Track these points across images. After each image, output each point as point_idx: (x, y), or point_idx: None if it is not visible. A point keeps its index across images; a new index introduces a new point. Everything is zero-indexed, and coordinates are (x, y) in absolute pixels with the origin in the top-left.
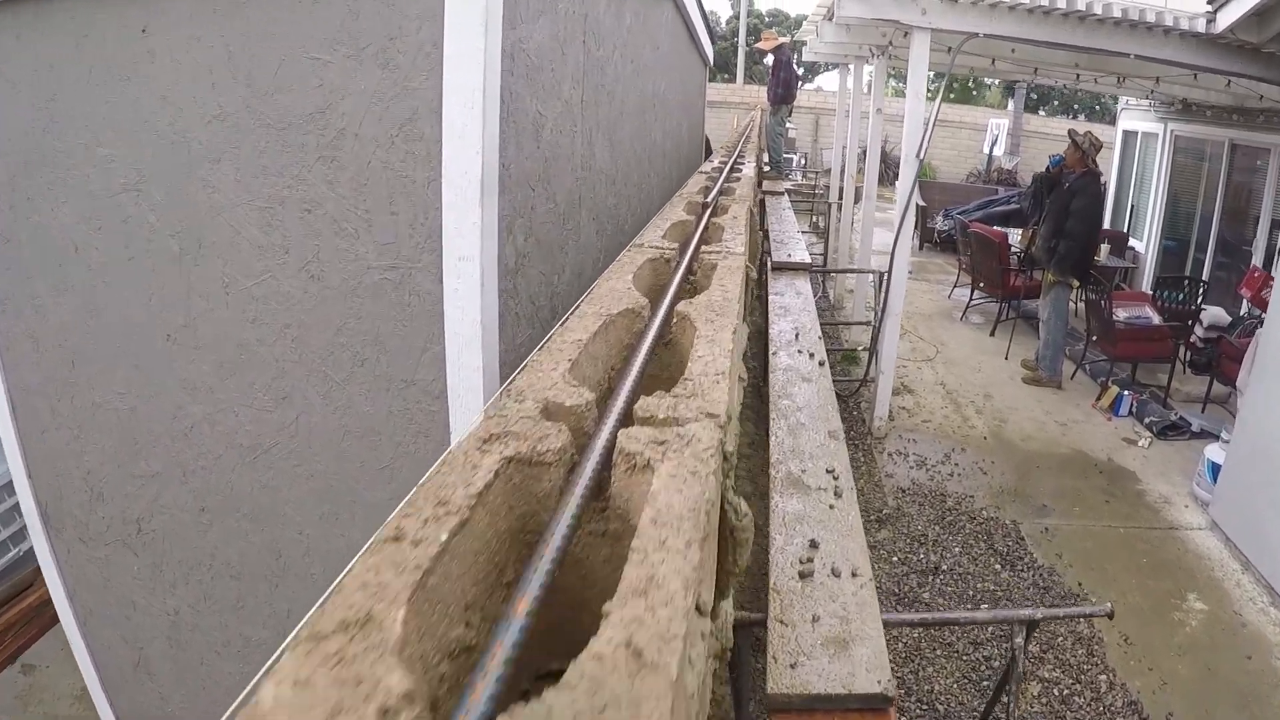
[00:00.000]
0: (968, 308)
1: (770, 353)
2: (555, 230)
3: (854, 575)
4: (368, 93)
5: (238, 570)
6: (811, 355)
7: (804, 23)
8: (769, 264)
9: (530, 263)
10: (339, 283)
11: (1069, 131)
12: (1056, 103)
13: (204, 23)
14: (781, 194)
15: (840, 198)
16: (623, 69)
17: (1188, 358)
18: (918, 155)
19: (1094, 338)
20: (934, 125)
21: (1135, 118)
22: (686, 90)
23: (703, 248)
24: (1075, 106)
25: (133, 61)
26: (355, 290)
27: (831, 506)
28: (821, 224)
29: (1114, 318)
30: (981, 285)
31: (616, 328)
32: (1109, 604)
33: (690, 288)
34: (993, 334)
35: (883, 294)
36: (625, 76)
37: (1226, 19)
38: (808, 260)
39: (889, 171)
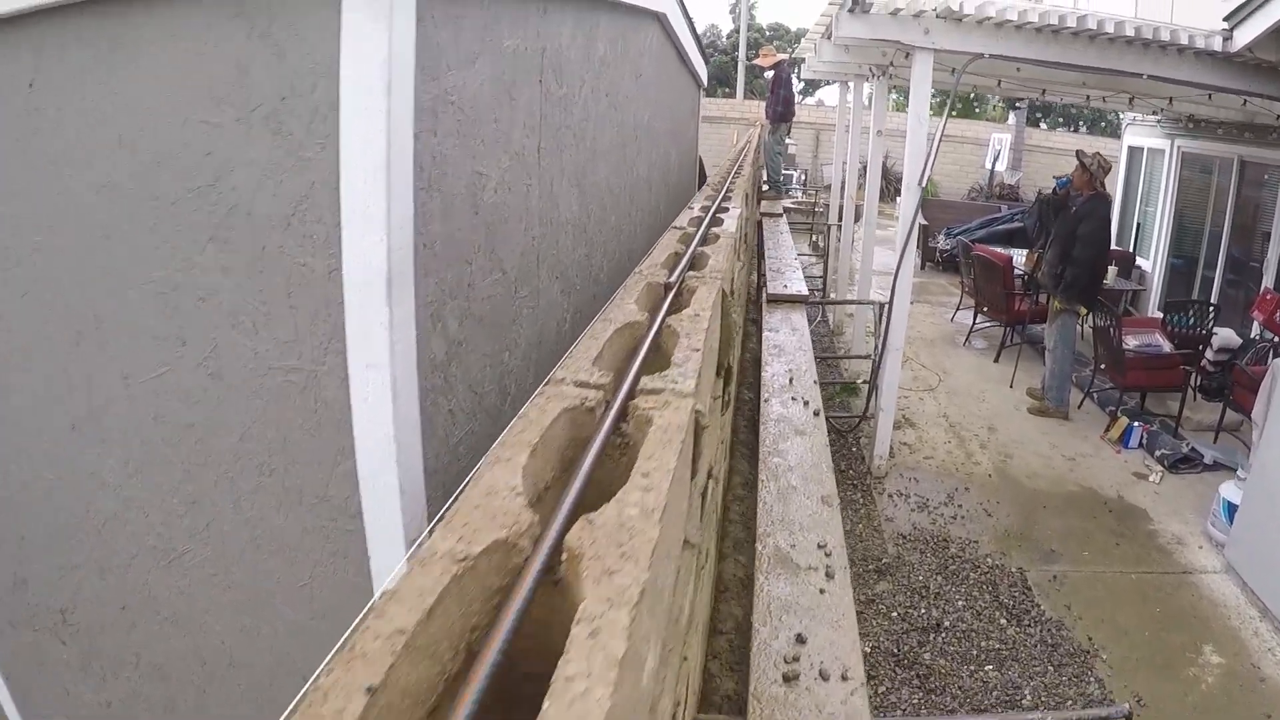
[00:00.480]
0: (971, 332)
1: (762, 399)
2: (504, 302)
3: (844, 679)
4: (259, 164)
5: (165, 672)
6: (806, 403)
7: (803, 39)
8: (764, 297)
9: (469, 348)
10: (240, 382)
11: (1076, 152)
12: (1059, 117)
13: (91, 76)
14: (779, 215)
15: (840, 218)
16: (595, 105)
17: (1198, 383)
18: (920, 183)
19: (1102, 366)
20: (938, 147)
21: (1141, 134)
22: (676, 116)
23: (643, 382)
24: (1079, 120)
25: (20, 118)
26: (258, 392)
27: (822, 591)
28: (821, 244)
29: (1123, 346)
30: (985, 310)
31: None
32: (1127, 705)
33: (618, 451)
34: (997, 360)
35: (883, 325)
36: (598, 113)
37: (1244, 37)
38: (804, 292)
39: (890, 187)
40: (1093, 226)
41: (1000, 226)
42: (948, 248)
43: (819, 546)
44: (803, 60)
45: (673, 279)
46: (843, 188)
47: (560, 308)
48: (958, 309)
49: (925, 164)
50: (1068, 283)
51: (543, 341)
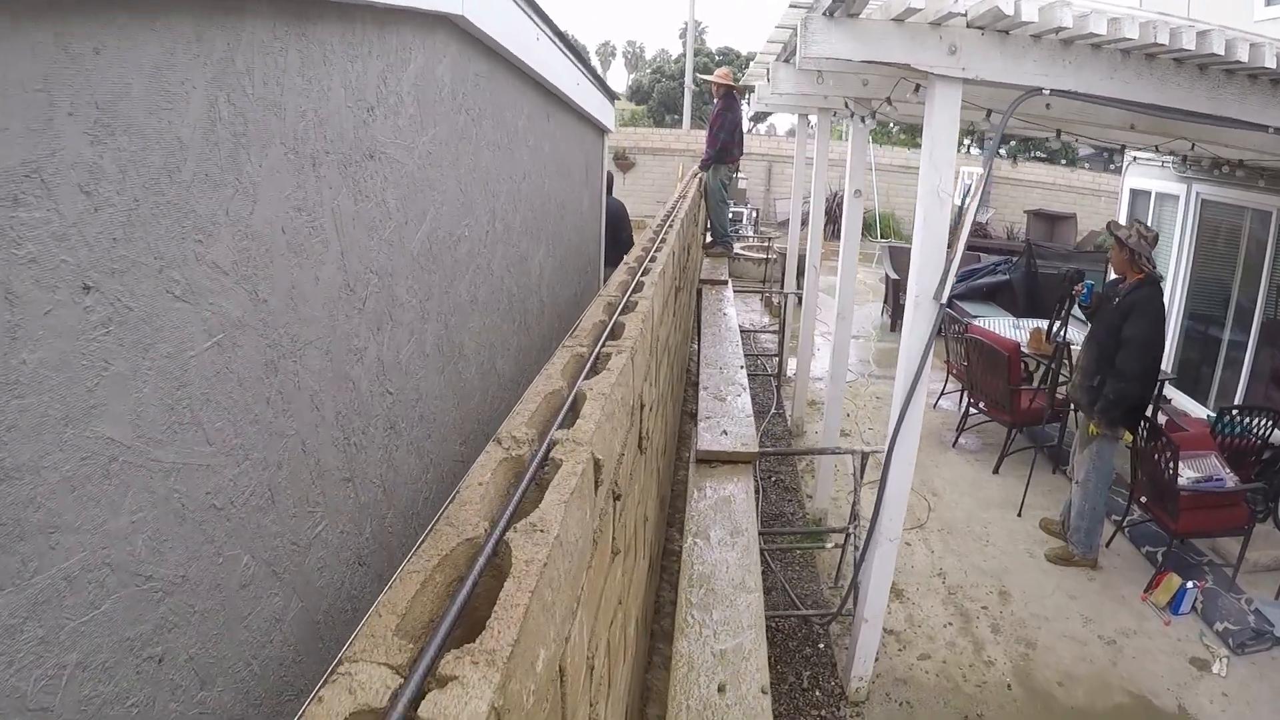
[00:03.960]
0: (962, 429)
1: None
2: None
3: None
4: None
5: None
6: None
7: (752, 63)
8: (693, 449)
9: None
10: None
11: (1108, 226)
12: (1013, 142)
13: None
14: (724, 282)
15: (800, 282)
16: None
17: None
18: (938, 296)
19: (1143, 499)
20: (973, 210)
21: (1147, 175)
22: (571, 185)
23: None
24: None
25: None
26: None
27: None
28: (775, 300)
29: (1177, 479)
30: (981, 406)
31: None
32: None
33: None
34: (997, 471)
35: (874, 491)
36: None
37: None
38: (747, 444)
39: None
40: (1143, 325)
41: (981, 280)
42: None
43: None
44: (751, 89)
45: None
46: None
47: None
48: (941, 392)
49: (949, 268)
50: (1110, 401)
51: None
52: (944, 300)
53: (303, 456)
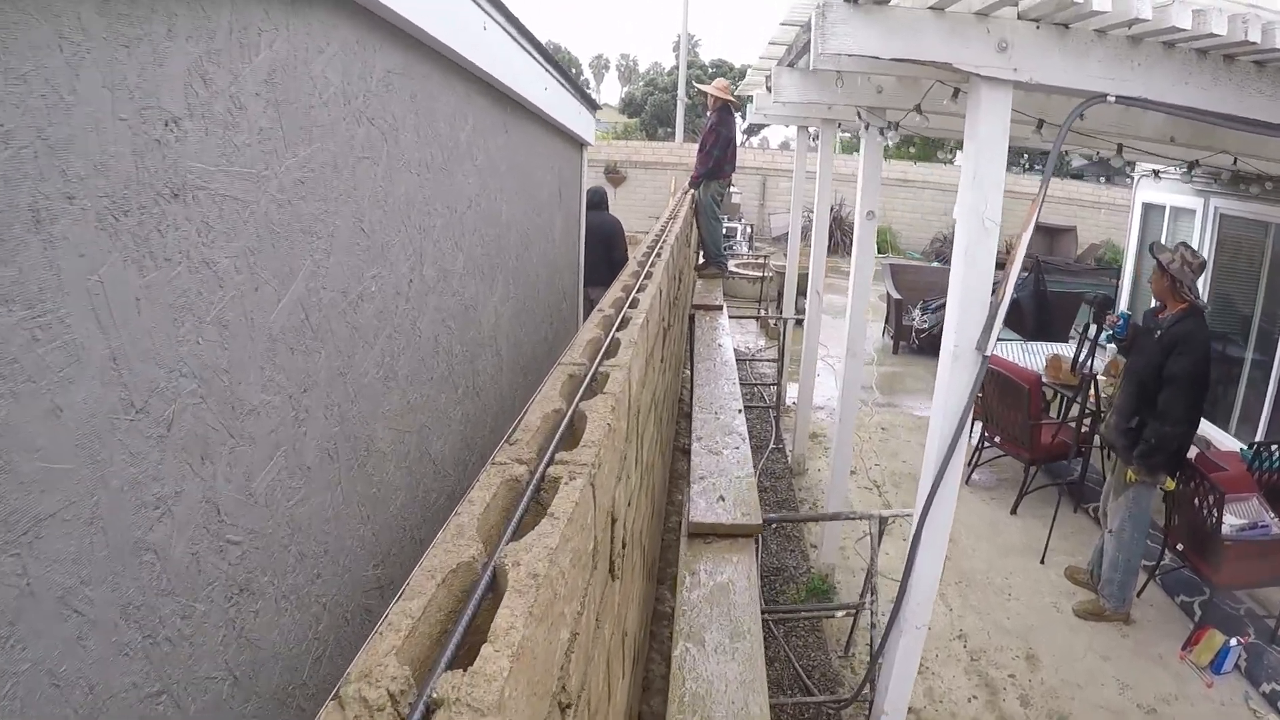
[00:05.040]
0: (975, 464)
1: None
2: None
3: None
4: None
5: None
6: None
7: (748, 72)
8: (684, 517)
9: None
10: None
11: (1150, 248)
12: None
13: None
14: (719, 308)
15: (799, 304)
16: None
17: None
18: (980, 349)
19: (1179, 546)
20: (1026, 241)
21: (1161, 188)
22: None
23: None
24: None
25: None
26: None
27: None
28: (773, 321)
29: (1221, 527)
30: (997, 440)
31: None
32: None
33: None
34: (1014, 511)
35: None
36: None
37: None
38: (752, 517)
39: (845, 239)
40: (1188, 362)
41: None
42: (925, 326)
43: None
44: (749, 100)
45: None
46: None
47: None
48: None
49: (993, 319)
50: (1151, 445)
51: None
52: (988, 352)
53: (53, 692)
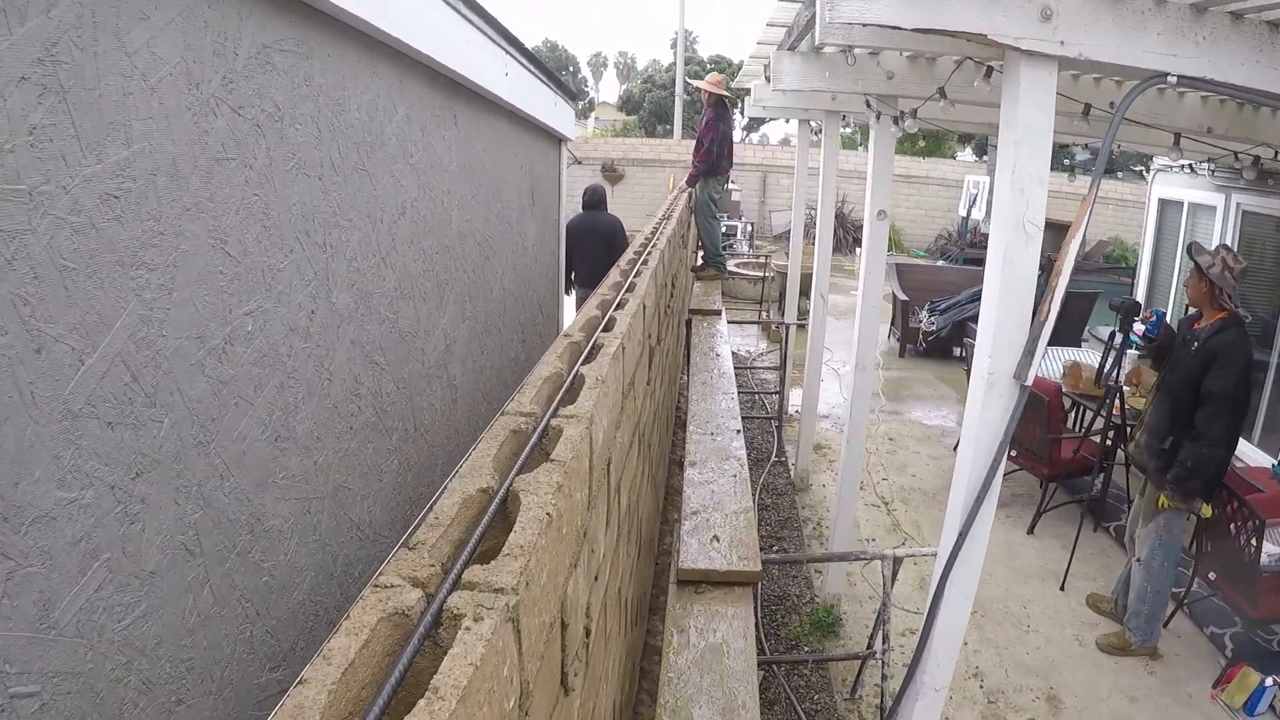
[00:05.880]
0: None
1: None
2: None
3: None
4: None
5: None
6: None
7: (745, 63)
8: (674, 563)
9: None
10: None
11: (1188, 249)
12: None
13: None
14: (717, 313)
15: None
16: None
17: None
18: (1020, 378)
19: (1211, 575)
20: (1076, 243)
21: (1178, 183)
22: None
23: None
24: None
25: None
26: None
27: None
28: (774, 324)
29: (1260, 557)
30: (1014, 454)
31: None
32: None
33: None
34: (1031, 531)
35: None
36: None
37: None
38: (751, 562)
39: (847, 237)
40: (1229, 378)
41: None
42: (933, 328)
43: None
44: (746, 94)
45: None
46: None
47: None
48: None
49: (1037, 340)
50: (1187, 469)
51: None
52: (1028, 382)
53: None
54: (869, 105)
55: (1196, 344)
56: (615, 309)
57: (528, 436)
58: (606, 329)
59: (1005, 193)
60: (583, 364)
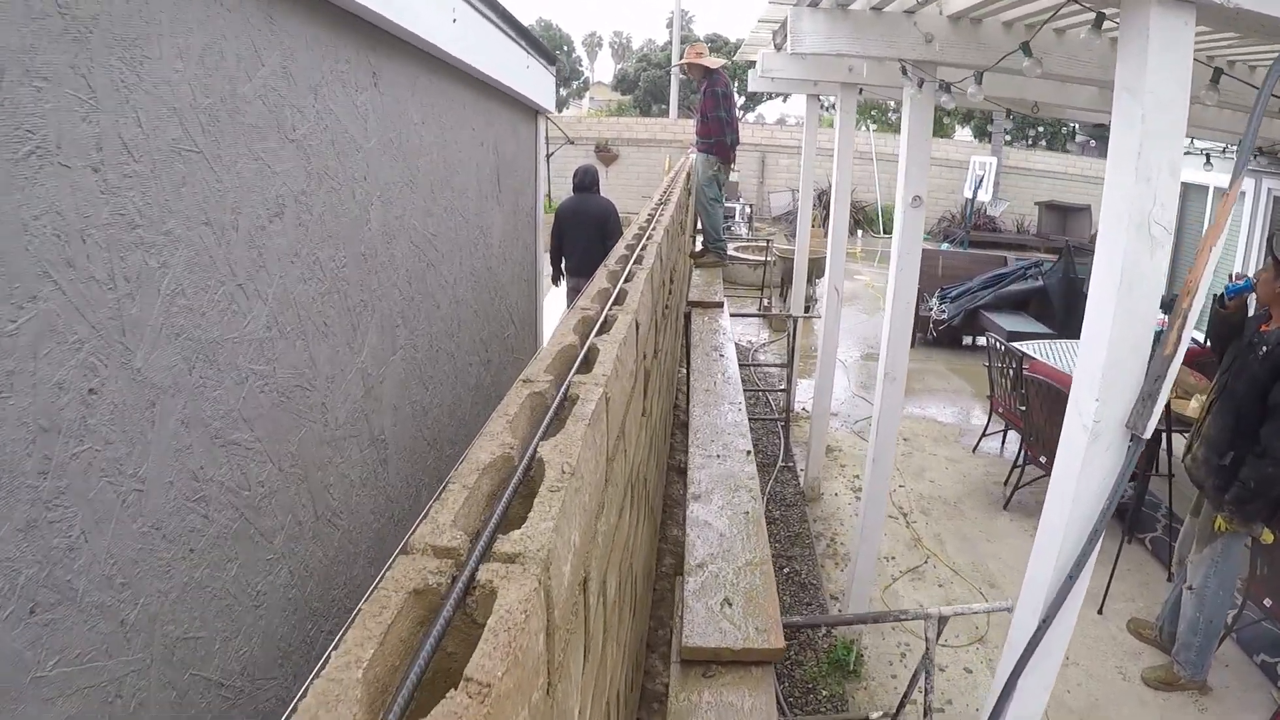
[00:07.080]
0: (1016, 485)
1: None
2: None
3: None
4: None
5: None
6: None
7: (751, 31)
8: (675, 640)
9: None
10: None
11: (1269, 241)
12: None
13: None
14: (719, 305)
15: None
16: None
17: None
18: (1134, 428)
19: (1266, 600)
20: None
21: (1201, 167)
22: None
23: None
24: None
25: None
26: None
27: None
28: (774, 308)
29: None
30: (1043, 460)
31: None
32: None
33: None
34: None
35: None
36: None
37: None
38: (771, 637)
39: (853, 221)
40: None
41: (1011, 287)
42: (944, 316)
43: None
44: (751, 65)
45: None
46: (810, 271)
47: None
48: (983, 434)
49: (1162, 381)
50: (1249, 490)
51: None
52: (1146, 434)
53: None
54: (904, 72)
55: (1266, 348)
56: (597, 335)
57: (442, 597)
58: (584, 369)
59: (1125, 183)
60: (541, 437)
